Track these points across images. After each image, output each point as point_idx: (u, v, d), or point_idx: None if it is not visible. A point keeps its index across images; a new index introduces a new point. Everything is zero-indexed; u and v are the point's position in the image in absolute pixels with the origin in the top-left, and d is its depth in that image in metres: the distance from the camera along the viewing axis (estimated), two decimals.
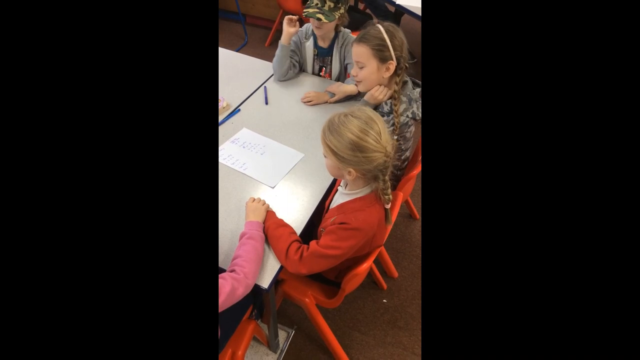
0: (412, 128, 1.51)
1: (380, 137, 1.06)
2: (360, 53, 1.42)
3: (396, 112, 1.44)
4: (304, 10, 1.69)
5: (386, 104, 1.48)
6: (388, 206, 1.16)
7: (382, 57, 1.40)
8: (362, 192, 1.16)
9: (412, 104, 1.46)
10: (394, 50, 1.38)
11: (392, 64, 1.40)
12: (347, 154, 1.06)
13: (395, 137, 1.47)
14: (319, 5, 1.68)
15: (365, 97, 1.52)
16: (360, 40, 1.42)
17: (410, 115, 1.46)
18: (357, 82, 1.51)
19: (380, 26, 1.40)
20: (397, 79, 1.44)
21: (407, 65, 1.44)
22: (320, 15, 1.66)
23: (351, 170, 1.09)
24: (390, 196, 1.13)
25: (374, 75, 1.44)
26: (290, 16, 1.73)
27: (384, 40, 1.38)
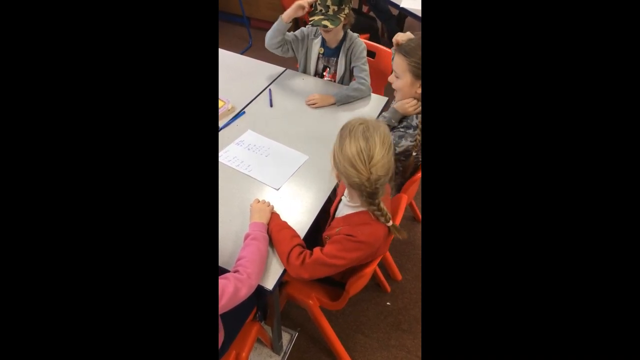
0: None
1: (370, 161, 1.03)
2: (398, 63, 1.44)
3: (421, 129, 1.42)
4: (310, 19, 1.70)
5: (417, 117, 1.48)
6: (390, 224, 1.15)
7: (417, 73, 1.40)
8: (362, 206, 1.16)
9: None
10: None
11: None
12: (338, 157, 1.08)
13: (415, 154, 1.47)
14: (323, 11, 1.69)
15: (396, 106, 1.52)
16: (401, 51, 1.42)
17: None
18: (394, 89, 1.51)
19: None
20: None
21: None
22: (326, 22, 1.68)
23: (336, 172, 1.12)
24: (389, 216, 1.13)
25: (407, 88, 1.45)
26: (303, 3, 1.69)
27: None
